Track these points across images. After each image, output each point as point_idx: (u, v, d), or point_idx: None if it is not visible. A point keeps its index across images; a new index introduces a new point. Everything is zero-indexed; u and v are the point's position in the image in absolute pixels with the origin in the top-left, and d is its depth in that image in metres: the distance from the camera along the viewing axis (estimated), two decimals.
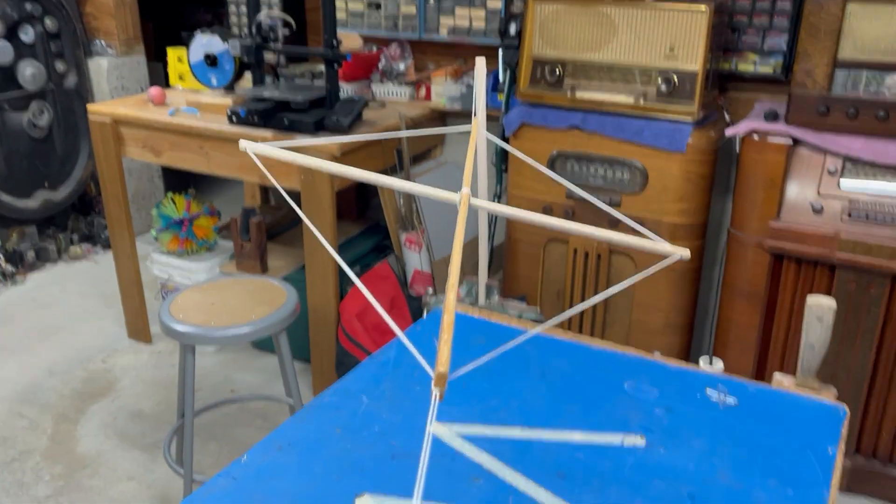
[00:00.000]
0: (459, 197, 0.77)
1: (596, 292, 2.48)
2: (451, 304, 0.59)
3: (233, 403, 2.65)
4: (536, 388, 1.10)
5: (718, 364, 1.16)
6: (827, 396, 1.08)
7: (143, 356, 3.03)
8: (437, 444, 0.97)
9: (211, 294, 2.12)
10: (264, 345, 3.03)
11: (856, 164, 2.08)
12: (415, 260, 2.72)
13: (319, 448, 0.96)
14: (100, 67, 3.82)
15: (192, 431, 2.05)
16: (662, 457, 0.95)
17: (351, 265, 2.91)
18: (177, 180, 4.13)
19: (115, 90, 3.86)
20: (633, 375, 1.12)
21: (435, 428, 1.00)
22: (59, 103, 3.74)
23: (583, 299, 2.51)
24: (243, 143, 0.79)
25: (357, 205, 3.37)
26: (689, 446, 0.97)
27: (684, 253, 0.80)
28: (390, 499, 0.87)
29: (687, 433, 1.00)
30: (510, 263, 2.64)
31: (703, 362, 1.16)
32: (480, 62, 1.27)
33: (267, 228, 2.90)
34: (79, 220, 4.04)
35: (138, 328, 3.12)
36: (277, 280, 2.22)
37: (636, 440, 0.98)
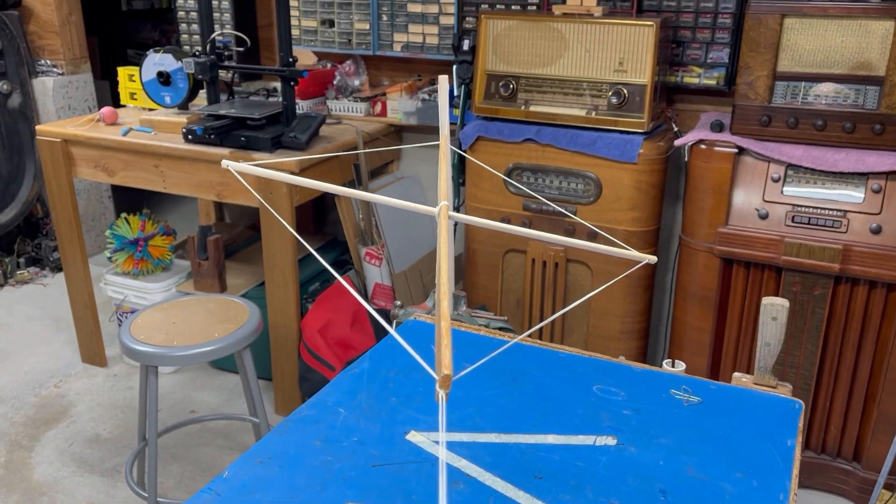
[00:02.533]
0: (439, 209, 0.80)
1: (554, 300, 2.53)
2: (445, 311, 0.62)
3: (194, 424, 2.62)
4: (509, 395, 1.13)
5: (681, 366, 1.21)
6: (783, 392, 1.14)
7: (98, 380, 2.97)
8: (416, 451, 1.00)
9: (171, 313, 2.10)
10: (223, 363, 3.00)
11: (797, 171, 2.18)
12: (375, 273, 2.74)
13: (300, 460, 0.97)
14: (45, 87, 3.75)
15: (157, 453, 2.03)
16: (633, 455, 0.99)
17: (310, 281, 2.91)
18: (128, 200, 4.07)
19: (61, 110, 3.78)
20: (601, 379, 1.17)
21: (412, 436, 1.03)
22: (3, 124, 3.66)
23: (542, 307, 2.56)
24: (225, 162, 0.81)
25: (314, 220, 3.37)
26: (658, 444, 1.01)
27: (651, 259, 0.85)
28: None
29: (655, 431, 1.04)
30: (470, 273, 2.68)
31: (666, 365, 1.21)
32: (443, 80, 1.31)
33: (224, 246, 2.88)
34: (25, 242, 3.94)
35: (92, 351, 3.06)
36: (238, 297, 2.21)
37: (608, 440, 1.02)
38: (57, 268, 3.89)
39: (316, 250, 3.05)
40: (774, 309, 1.11)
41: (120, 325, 2.01)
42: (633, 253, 0.86)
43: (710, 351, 2.36)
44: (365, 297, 2.77)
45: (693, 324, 2.38)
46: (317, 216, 3.38)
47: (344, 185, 2.77)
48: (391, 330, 0.73)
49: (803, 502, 2.33)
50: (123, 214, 2.91)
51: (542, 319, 2.58)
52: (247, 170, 0.82)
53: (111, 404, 2.81)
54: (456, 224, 2.80)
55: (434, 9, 2.82)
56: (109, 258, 2.92)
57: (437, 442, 1.01)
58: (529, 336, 2.58)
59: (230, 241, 3.17)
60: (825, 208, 2.14)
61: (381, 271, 2.74)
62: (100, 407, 2.79)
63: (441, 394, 0.55)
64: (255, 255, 2.95)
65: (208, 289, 2.77)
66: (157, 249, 2.93)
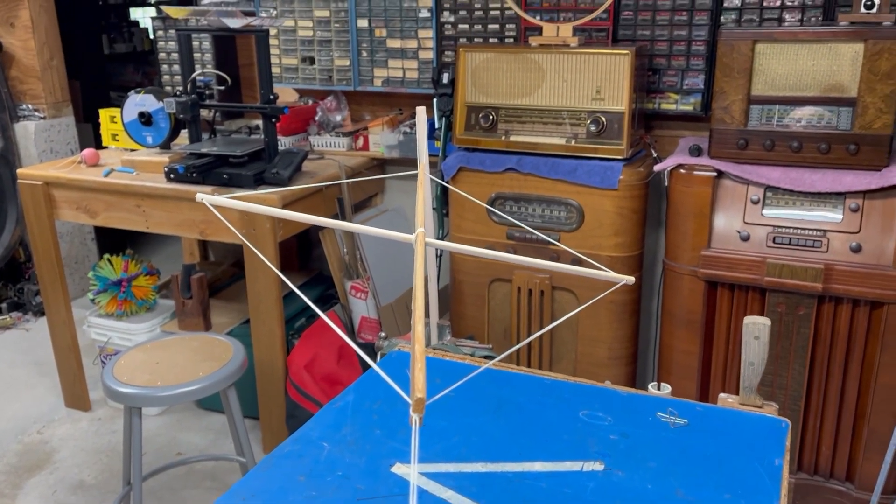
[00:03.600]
0: (415, 237, 0.80)
1: (541, 328, 2.53)
2: (419, 334, 0.61)
3: (180, 466, 2.58)
4: (495, 423, 1.12)
5: (666, 388, 1.21)
6: (769, 411, 1.13)
7: (81, 424, 2.92)
8: (401, 484, 0.98)
9: (155, 353, 2.08)
10: (209, 403, 2.96)
11: (776, 193, 2.21)
12: (361, 307, 2.73)
13: (284, 496, 0.96)
14: (27, 131, 3.75)
15: (142, 498, 1.99)
16: (621, 479, 0.98)
17: (296, 317, 2.89)
18: (111, 241, 4.05)
19: (43, 153, 3.78)
20: (587, 404, 1.16)
21: (397, 468, 1.02)
22: None
23: (529, 335, 2.55)
24: (199, 196, 0.81)
25: (299, 256, 3.37)
26: (646, 467, 1.01)
27: (629, 279, 0.85)
28: None
29: (642, 455, 1.03)
30: (456, 304, 2.67)
31: (651, 388, 1.21)
32: (421, 111, 1.32)
33: (208, 284, 2.86)
34: (7, 287, 3.90)
35: (76, 396, 3.01)
36: (223, 335, 2.19)
37: (595, 466, 1.01)
38: (40, 312, 3.84)
39: (301, 286, 3.05)
40: (756, 328, 1.11)
41: (103, 368, 1.99)
42: (610, 274, 0.86)
43: (699, 374, 2.36)
44: (351, 331, 2.76)
45: (680, 347, 2.38)
46: (301, 252, 3.37)
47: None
48: (370, 362, 0.73)
49: None
50: (106, 255, 2.90)
51: (529, 346, 2.57)
52: (222, 203, 0.82)
53: (95, 449, 2.76)
54: (441, 255, 2.80)
55: (413, 44, 2.86)
56: (92, 300, 2.90)
57: (423, 473, 1.00)
58: (516, 364, 2.56)
59: (214, 279, 3.15)
60: (805, 228, 2.16)
61: (367, 305, 2.73)
62: (83, 452, 2.74)
63: (414, 417, 0.54)
64: (240, 292, 2.94)
65: (193, 328, 2.75)
66: (141, 290, 2.91)
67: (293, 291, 2.92)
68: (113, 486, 2.53)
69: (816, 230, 2.15)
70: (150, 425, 2.88)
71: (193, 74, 2.50)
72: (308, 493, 0.97)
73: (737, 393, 1.17)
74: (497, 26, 2.73)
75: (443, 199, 2.74)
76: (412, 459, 0.58)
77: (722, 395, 1.17)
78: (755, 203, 2.23)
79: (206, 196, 0.80)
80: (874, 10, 2.11)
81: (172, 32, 3.27)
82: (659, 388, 1.20)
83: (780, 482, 0.97)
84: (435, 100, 2.70)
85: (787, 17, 2.40)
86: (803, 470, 2.33)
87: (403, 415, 1.15)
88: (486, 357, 1.35)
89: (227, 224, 0.92)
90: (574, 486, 0.97)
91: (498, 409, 1.15)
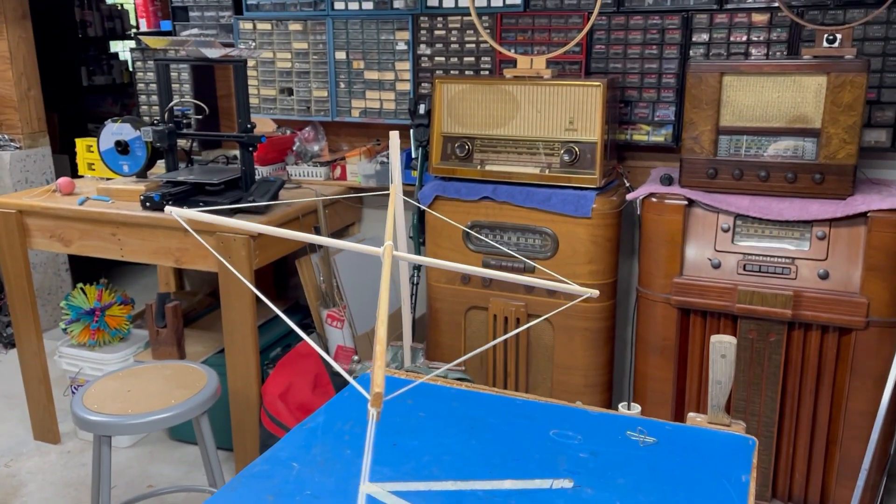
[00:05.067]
0: (384, 249, 0.81)
1: (517, 355, 2.53)
2: (381, 336, 0.62)
3: (151, 498, 2.53)
4: (466, 443, 1.12)
5: (636, 408, 1.22)
6: (737, 430, 1.15)
7: (50, 457, 2.86)
8: (371, 502, 0.98)
9: (126, 381, 2.05)
10: (182, 434, 2.92)
11: (745, 221, 2.25)
12: (337, 336, 2.72)
13: None
14: (2, 161, 3.73)
15: None
16: (590, 497, 0.99)
17: (272, 346, 2.88)
18: (85, 273, 4.00)
19: (18, 183, 3.75)
20: (558, 424, 1.17)
21: (368, 487, 1.01)
22: None
23: (505, 363, 2.56)
24: (168, 209, 0.82)
25: (275, 285, 3.35)
26: (615, 485, 1.01)
27: (593, 293, 0.87)
28: None
29: (612, 473, 1.04)
30: (433, 332, 2.67)
31: (622, 408, 1.22)
32: (394, 135, 1.35)
33: (183, 314, 2.84)
34: None
35: (45, 428, 2.96)
36: (196, 363, 2.17)
37: (564, 483, 1.01)
38: (10, 344, 3.78)
39: (277, 316, 3.03)
40: (723, 346, 1.13)
41: (73, 396, 1.96)
42: (574, 287, 0.88)
43: (673, 401, 2.37)
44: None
45: (654, 374, 2.39)
46: (278, 281, 3.36)
47: (304, 249, 2.76)
48: (345, 374, 0.73)
49: None
50: (80, 284, 2.87)
51: (505, 374, 2.57)
52: (191, 215, 0.83)
53: (64, 482, 2.70)
54: (417, 284, 2.81)
55: (390, 76, 2.90)
56: (64, 329, 2.86)
57: (393, 492, 1.00)
58: (489, 385, 2.56)
59: (190, 308, 3.13)
60: (774, 256, 2.20)
61: (343, 333, 2.72)
62: (52, 486, 2.68)
63: (372, 412, 0.55)
64: (216, 322, 2.92)
65: (167, 357, 2.72)
66: (115, 319, 2.88)
67: (268, 321, 2.90)
68: None
69: (785, 258, 2.19)
70: (120, 458, 2.83)
71: (171, 103, 2.52)
72: None
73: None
74: (472, 59, 2.78)
75: (419, 228, 2.76)
76: (364, 463, 0.58)
77: (691, 414, 1.19)
78: (726, 231, 2.27)
79: (175, 209, 0.81)
80: (836, 44, 2.19)
81: (151, 63, 3.29)
82: (629, 408, 1.21)
83: (746, 498, 0.98)
84: (412, 130, 2.73)
85: (753, 51, 2.47)
86: (778, 497, 2.34)
87: (375, 434, 1.14)
88: (459, 379, 1.36)
89: (194, 234, 0.93)
90: (543, 503, 0.97)
91: (470, 430, 1.15)
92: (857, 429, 2.16)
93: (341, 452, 1.09)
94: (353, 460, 1.08)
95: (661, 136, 2.62)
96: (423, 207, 2.68)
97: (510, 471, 1.05)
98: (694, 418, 1.18)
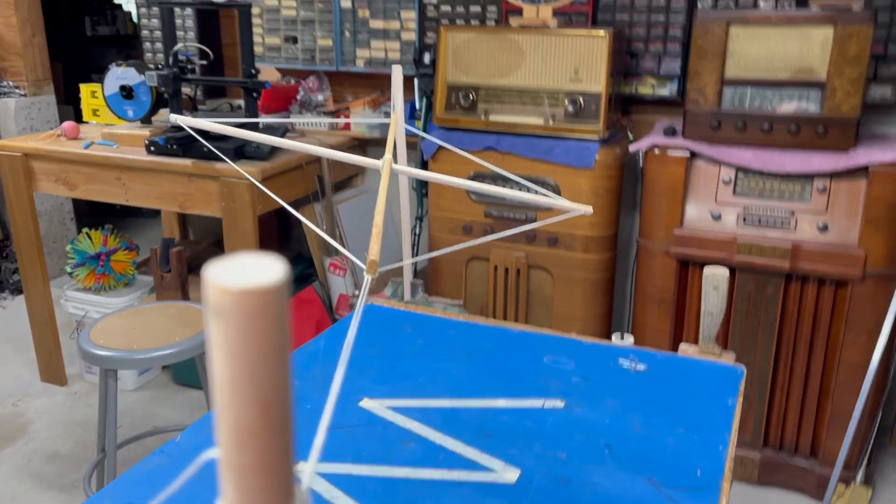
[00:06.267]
0: (383, 162, 0.83)
1: (517, 306, 2.56)
2: (378, 221, 0.64)
3: (155, 435, 2.58)
4: (462, 366, 1.15)
5: (629, 338, 1.24)
6: (727, 359, 1.17)
7: (57, 398, 2.92)
8: (368, 415, 1.01)
9: (132, 319, 2.09)
10: (185, 379, 2.97)
11: (747, 174, 2.26)
12: (339, 284, 2.75)
13: None
14: (7, 108, 3.73)
15: (115, 461, 2.00)
16: (580, 415, 1.02)
17: None
18: (91, 221, 4.03)
19: (23, 131, 3.76)
20: (552, 351, 1.19)
21: (365, 402, 1.04)
22: None
23: (505, 313, 2.59)
24: (174, 116, 0.83)
25: (279, 236, 3.38)
26: (605, 406, 1.04)
27: (587, 209, 0.88)
28: (324, 464, 0.91)
29: (602, 395, 1.07)
30: (434, 283, 2.70)
31: (615, 337, 1.24)
32: (397, 68, 1.36)
33: (187, 261, 2.87)
34: None
35: (52, 370, 3.01)
36: (200, 304, 2.20)
37: (556, 403, 1.04)
38: (17, 290, 3.83)
39: None
40: (716, 279, 1.15)
41: (79, 333, 1.99)
42: (567, 203, 0.89)
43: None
44: (329, 308, 2.78)
45: (653, 326, 2.42)
46: (281, 232, 3.39)
47: (307, 197, 2.77)
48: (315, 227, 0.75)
49: (763, 500, 2.36)
50: (85, 229, 2.90)
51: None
52: (197, 124, 0.84)
53: (70, 422, 2.76)
54: (419, 235, 2.83)
55: (395, 25, 2.89)
56: (70, 273, 2.90)
57: (390, 408, 1.03)
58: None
59: (194, 256, 3.16)
60: (775, 209, 2.22)
61: (346, 282, 2.75)
62: (58, 425, 2.74)
63: (367, 277, 0.58)
64: None
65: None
66: (120, 264, 2.91)
67: None
68: (87, 456, 2.54)
69: (785, 210, 2.20)
70: (126, 399, 2.88)
71: (175, 47, 2.51)
72: None
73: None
74: (479, 8, 2.76)
75: (421, 180, 2.77)
76: (354, 316, 0.61)
77: (682, 345, 1.21)
78: (727, 184, 2.28)
79: (179, 116, 0.82)
80: None
81: (156, 10, 3.28)
82: (622, 338, 1.23)
83: (731, 419, 1.00)
84: (416, 80, 2.73)
85: (761, 3, 2.45)
86: (769, 446, 2.38)
87: (374, 358, 1.18)
88: (458, 312, 1.38)
89: (202, 140, 0.94)
90: (535, 419, 1.00)
91: (466, 355, 1.18)
92: (850, 380, 2.19)
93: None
94: (353, 379, 1.11)
95: (666, 90, 2.61)
96: (421, 166, 2.69)
97: (504, 391, 1.08)
98: (685, 349, 1.21)
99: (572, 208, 0.90)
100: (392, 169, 0.82)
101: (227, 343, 0.24)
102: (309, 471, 0.89)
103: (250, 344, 0.24)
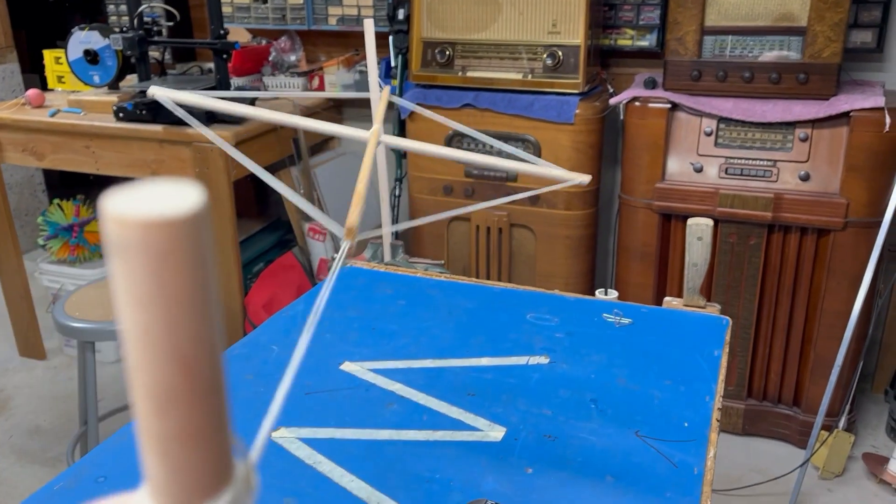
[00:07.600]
0: (370, 134, 0.79)
1: (500, 265, 2.54)
2: (360, 189, 0.61)
3: None
4: (444, 326, 1.13)
5: (613, 293, 1.22)
6: (712, 311, 1.16)
7: (36, 373, 2.88)
8: (349, 378, 0.99)
9: (107, 290, 2.04)
10: None
11: (728, 124, 2.23)
12: (319, 249, 2.71)
13: (232, 393, 0.96)
14: None
15: (98, 434, 1.97)
16: (565, 371, 1.00)
17: (254, 261, 2.87)
18: (63, 192, 3.94)
19: None
20: (535, 308, 1.17)
21: (346, 365, 1.02)
22: None
23: (487, 273, 2.57)
24: (152, 89, 0.79)
25: (257, 202, 3.32)
26: (590, 360, 1.03)
27: (584, 178, 0.85)
28: (305, 429, 0.88)
29: (587, 350, 1.05)
30: (415, 245, 2.67)
31: (599, 293, 1.23)
32: (369, 22, 1.31)
33: None
34: None
35: (30, 345, 2.96)
36: None
37: (540, 360, 1.03)
38: None
39: (259, 231, 3.02)
40: (699, 229, 1.12)
41: (53, 305, 1.95)
42: (564, 172, 0.86)
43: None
44: (310, 272, 2.75)
45: (636, 281, 2.41)
46: (259, 197, 3.33)
47: (283, 161, 2.71)
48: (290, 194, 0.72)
49: (748, 450, 2.38)
50: (56, 200, 2.83)
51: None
52: (177, 97, 0.80)
53: (51, 396, 2.72)
54: (399, 197, 2.79)
55: None
56: (43, 245, 2.83)
57: (372, 370, 1.01)
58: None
59: None
60: (756, 159, 2.20)
61: (326, 246, 2.71)
62: (39, 399, 2.71)
63: (344, 243, 0.55)
64: None
65: None
66: (94, 235, 2.85)
67: (251, 237, 2.88)
68: (69, 429, 2.51)
69: (767, 160, 2.19)
70: (107, 371, 2.85)
71: (140, 8, 2.43)
72: (256, 390, 0.97)
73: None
74: None
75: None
76: (331, 273, 0.58)
77: (667, 298, 1.20)
78: (708, 135, 2.25)
79: (157, 88, 0.78)
80: None
81: None
82: (606, 294, 1.21)
83: (718, 370, 0.99)
84: (391, 37, 2.66)
85: None
86: (752, 396, 2.40)
87: (354, 321, 1.15)
88: (439, 273, 1.36)
89: (182, 113, 0.89)
90: (519, 376, 0.99)
91: (448, 315, 1.16)
92: (832, 329, 2.20)
93: (321, 336, 1.10)
94: (334, 343, 1.08)
95: (645, 41, 2.57)
96: (402, 117, 2.64)
97: (487, 350, 1.06)
98: (670, 302, 1.19)
99: (568, 178, 0.87)
100: (380, 140, 0.78)
101: (134, 289, 0.21)
102: (287, 436, 0.87)
103: (163, 290, 0.21)
